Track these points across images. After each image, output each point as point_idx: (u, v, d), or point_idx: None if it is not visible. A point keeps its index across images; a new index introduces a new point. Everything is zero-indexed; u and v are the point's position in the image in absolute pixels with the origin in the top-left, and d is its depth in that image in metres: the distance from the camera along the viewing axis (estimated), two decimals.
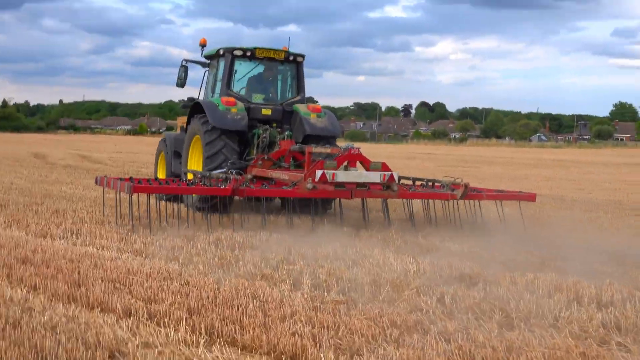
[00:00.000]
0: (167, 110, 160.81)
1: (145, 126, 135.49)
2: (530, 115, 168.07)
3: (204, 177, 13.20)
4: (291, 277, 8.38)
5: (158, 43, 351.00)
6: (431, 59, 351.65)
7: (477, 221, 13.69)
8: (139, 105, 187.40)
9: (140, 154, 44.78)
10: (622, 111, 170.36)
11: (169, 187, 12.98)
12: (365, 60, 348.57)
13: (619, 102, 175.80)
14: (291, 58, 15.85)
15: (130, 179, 12.91)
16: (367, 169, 12.68)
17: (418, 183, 14.23)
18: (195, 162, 15.30)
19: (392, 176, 12.45)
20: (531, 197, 14.33)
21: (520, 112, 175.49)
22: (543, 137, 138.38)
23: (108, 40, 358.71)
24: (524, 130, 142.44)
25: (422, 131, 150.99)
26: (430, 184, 14.04)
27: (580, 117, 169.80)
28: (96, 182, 14.32)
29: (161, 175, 17.32)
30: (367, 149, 64.75)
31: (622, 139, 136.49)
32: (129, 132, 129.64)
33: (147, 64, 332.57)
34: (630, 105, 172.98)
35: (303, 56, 15.98)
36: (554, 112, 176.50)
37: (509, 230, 13.12)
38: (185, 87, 17.19)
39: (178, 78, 17.00)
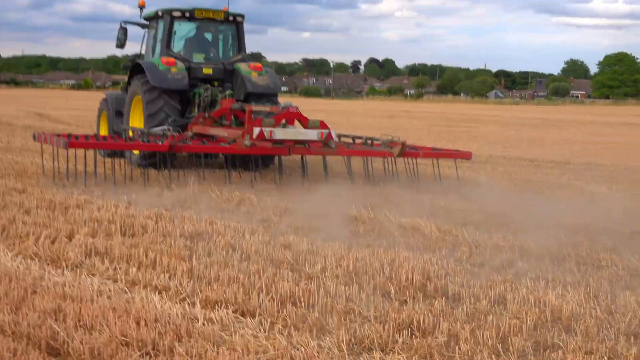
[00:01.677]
0: (112, 65, 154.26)
1: (91, 81, 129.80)
2: (478, 72, 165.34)
3: (142, 134, 13.31)
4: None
5: None
6: (377, 16, 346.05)
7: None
8: (82, 60, 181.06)
9: None
10: (574, 68, 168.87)
11: (106, 143, 13.22)
12: (310, 16, 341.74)
13: (570, 59, 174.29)
14: (231, 18, 15.86)
15: (68, 135, 12.96)
16: (305, 127, 12.71)
17: (358, 141, 14.55)
18: (137, 121, 15.30)
19: (329, 134, 12.55)
20: (467, 155, 14.50)
21: (469, 69, 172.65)
22: (500, 94, 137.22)
23: None
24: (481, 86, 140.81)
25: (377, 87, 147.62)
26: (369, 141, 14.21)
27: (535, 75, 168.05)
28: (34, 139, 14.11)
29: (103, 133, 16.99)
30: (330, 107, 60.47)
31: (577, 96, 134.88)
32: (73, 87, 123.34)
33: (88, 19, 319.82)
34: (582, 62, 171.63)
35: (243, 16, 15.98)
36: (502, 69, 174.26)
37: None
38: (128, 44, 17.40)
39: (117, 39, 16.94)
